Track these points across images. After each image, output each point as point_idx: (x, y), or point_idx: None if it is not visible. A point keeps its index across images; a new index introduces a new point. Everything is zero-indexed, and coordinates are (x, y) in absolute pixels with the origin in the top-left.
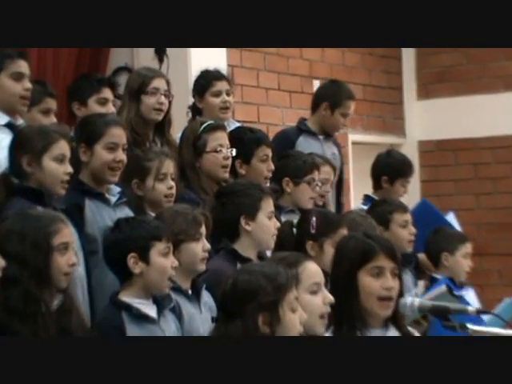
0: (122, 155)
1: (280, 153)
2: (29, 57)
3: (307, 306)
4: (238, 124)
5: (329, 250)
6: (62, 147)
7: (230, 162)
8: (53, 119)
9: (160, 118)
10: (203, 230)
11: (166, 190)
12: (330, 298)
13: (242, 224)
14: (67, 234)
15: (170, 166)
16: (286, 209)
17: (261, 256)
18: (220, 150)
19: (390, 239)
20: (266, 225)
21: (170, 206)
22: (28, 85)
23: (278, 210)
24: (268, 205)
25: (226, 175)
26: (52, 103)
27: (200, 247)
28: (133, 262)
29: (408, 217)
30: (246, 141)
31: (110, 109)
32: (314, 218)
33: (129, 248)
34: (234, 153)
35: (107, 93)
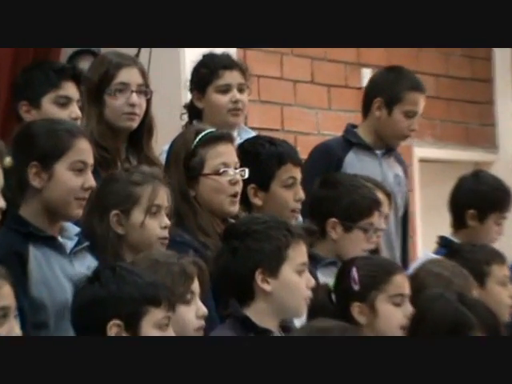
0: (92, 179)
1: (319, 176)
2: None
3: None
4: (252, 133)
5: (384, 310)
6: None
7: (239, 187)
8: None
9: (134, 125)
10: (196, 287)
11: (159, 230)
12: None
13: (259, 281)
14: (4, 294)
15: (164, 197)
16: (325, 260)
17: (285, 327)
18: (224, 172)
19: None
20: (293, 283)
21: (147, 253)
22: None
23: (313, 261)
24: (298, 254)
25: (235, 208)
26: None
27: (192, 313)
28: (115, 333)
29: (507, 271)
30: (263, 157)
31: (74, 112)
32: (354, 269)
33: (112, 313)
34: (245, 174)
35: (70, 88)
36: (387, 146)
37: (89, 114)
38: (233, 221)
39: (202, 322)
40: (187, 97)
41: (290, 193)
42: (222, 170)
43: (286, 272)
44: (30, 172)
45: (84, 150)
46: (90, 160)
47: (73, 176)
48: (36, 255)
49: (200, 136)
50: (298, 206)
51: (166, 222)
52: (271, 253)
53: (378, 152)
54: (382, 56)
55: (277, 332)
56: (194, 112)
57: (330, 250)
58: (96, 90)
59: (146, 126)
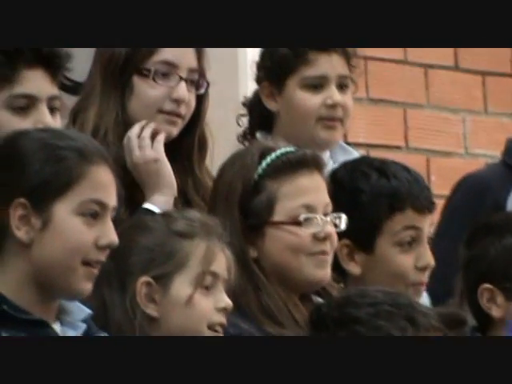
0: (113, 233)
1: (469, 221)
2: None
3: None
4: (355, 153)
5: None
6: None
7: (332, 245)
8: None
9: (174, 132)
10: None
11: (213, 313)
12: None
13: None
14: None
15: (224, 262)
16: None
17: None
18: (308, 220)
19: None
20: None
21: None
22: None
23: None
24: None
25: (323, 275)
26: None
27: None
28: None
29: None
30: (366, 196)
31: (42, 119)
32: None
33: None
34: (342, 224)
35: (34, 81)
36: None
37: (103, 108)
38: (320, 300)
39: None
40: (248, 90)
41: (408, 256)
42: (303, 218)
43: None
44: (12, 215)
45: (102, 183)
46: (111, 200)
47: (82, 225)
48: None
49: (268, 160)
50: (422, 277)
51: (227, 301)
52: None
53: None
54: None
55: None
56: (259, 116)
57: None
58: (120, 70)
59: (198, 137)
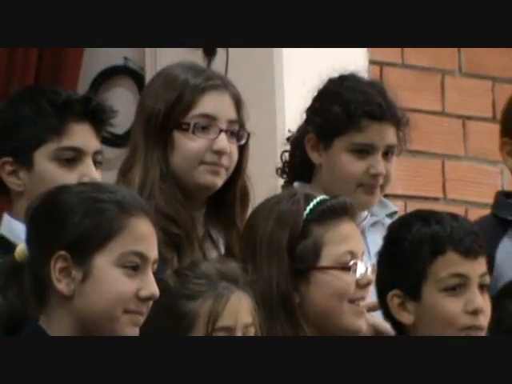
0: (153, 285)
1: None
2: None
3: None
4: (392, 206)
5: None
6: None
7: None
8: None
9: (219, 183)
10: None
11: None
12: None
13: None
14: None
15: (244, 313)
16: None
17: None
18: (354, 265)
19: None
20: None
21: None
22: None
23: None
24: None
25: (362, 324)
26: None
27: None
28: None
29: None
30: (407, 244)
31: (88, 173)
32: None
33: None
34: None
35: (80, 135)
36: None
37: (146, 165)
38: None
39: None
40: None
41: (457, 301)
42: (351, 263)
43: None
44: (53, 267)
45: (142, 235)
46: (152, 252)
47: (122, 276)
48: None
49: (312, 205)
50: (477, 321)
51: None
52: None
53: None
54: None
55: None
56: (299, 167)
57: None
58: (160, 126)
59: (240, 189)
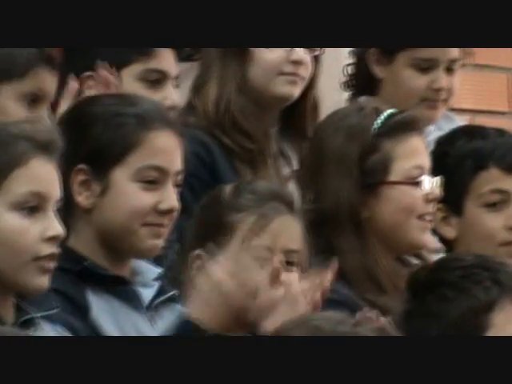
0: (172, 198)
1: None
2: None
3: None
4: (457, 121)
5: None
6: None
7: (434, 208)
8: None
9: (296, 92)
10: None
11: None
12: None
13: None
14: None
15: (288, 238)
16: None
17: None
18: (421, 180)
19: None
20: None
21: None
22: None
23: None
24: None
25: (428, 238)
26: None
27: None
28: None
29: None
30: (451, 159)
31: (169, 93)
32: None
33: None
34: (438, 188)
35: (171, 59)
36: None
37: (222, 79)
38: (417, 263)
39: None
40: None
41: (497, 216)
42: (418, 178)
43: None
44: (73, 180)
45: (162, 148)
46: (174, 165)
47: (140, 190)
48: (99, 305)
49: (383, 119)
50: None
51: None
52: (460, 321)
53: None
54: None
55: None
56: (363, 81)
57: None
58: None
59: (310, 100)
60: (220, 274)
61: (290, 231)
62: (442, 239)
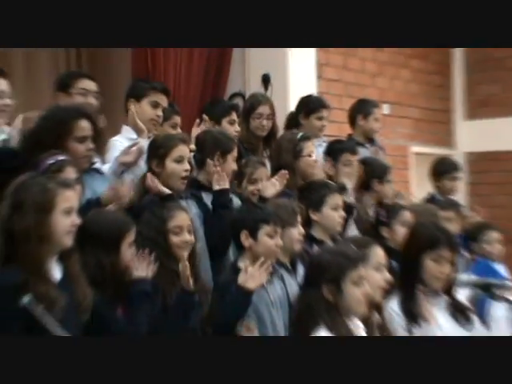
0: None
1: None
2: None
3: (372, 280)
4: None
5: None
6: (181, 150)
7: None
8: (178, 131)
9: (264, 134)
10: (299, 218)
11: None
12: (389, 277)
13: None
14: (181, 219)
15: (262, 173)
16: None
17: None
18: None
19: None
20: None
21: (273, 199)
22: (159, 112)
23: None
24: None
25: (316, 175)
26: (178, 119)
27: (296, 232)
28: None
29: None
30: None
31: (235, 128)
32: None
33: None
34: None
35: (234, 115)
36: None
37: (242, 128)
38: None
39: (301, 237)
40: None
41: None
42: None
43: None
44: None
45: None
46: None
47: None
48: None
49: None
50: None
51: (258, 187)
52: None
53: None
54: (395, 96)
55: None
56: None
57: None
58: (246, 115)
59: (273, 133)
60: None
61: (264, 172)
62: None
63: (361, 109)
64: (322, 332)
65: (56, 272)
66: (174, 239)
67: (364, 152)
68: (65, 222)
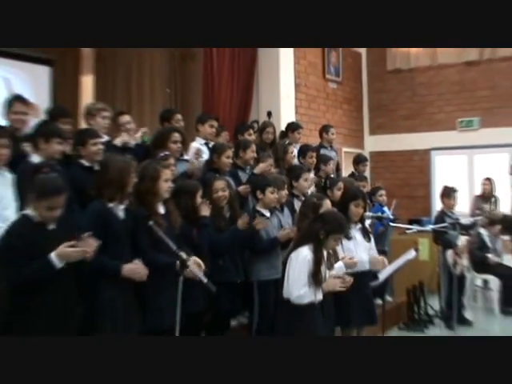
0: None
1: None
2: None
3: None
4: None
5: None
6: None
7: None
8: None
9: (269, 142)
10: (286, 185)
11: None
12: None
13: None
14: (221, 183)
15: (269, 161)
16: None
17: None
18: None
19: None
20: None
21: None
22: (214, 130)
23: None
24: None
25: (295, 163)
26: (226, 134)
27: (284, 192)
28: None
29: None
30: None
31: (252, 138)
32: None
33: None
34: None
35: (251, 131)
36: None
37: (256, 140)
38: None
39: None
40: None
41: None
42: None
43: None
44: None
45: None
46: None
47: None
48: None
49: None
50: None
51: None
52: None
53: None
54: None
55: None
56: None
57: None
58: (259, 133)
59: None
60: None
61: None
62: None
63: (324, 128)
64: (305, 249)
65: (161, 209)
66: (220, 194)
67: (327, 152)
68: (165, 186)
